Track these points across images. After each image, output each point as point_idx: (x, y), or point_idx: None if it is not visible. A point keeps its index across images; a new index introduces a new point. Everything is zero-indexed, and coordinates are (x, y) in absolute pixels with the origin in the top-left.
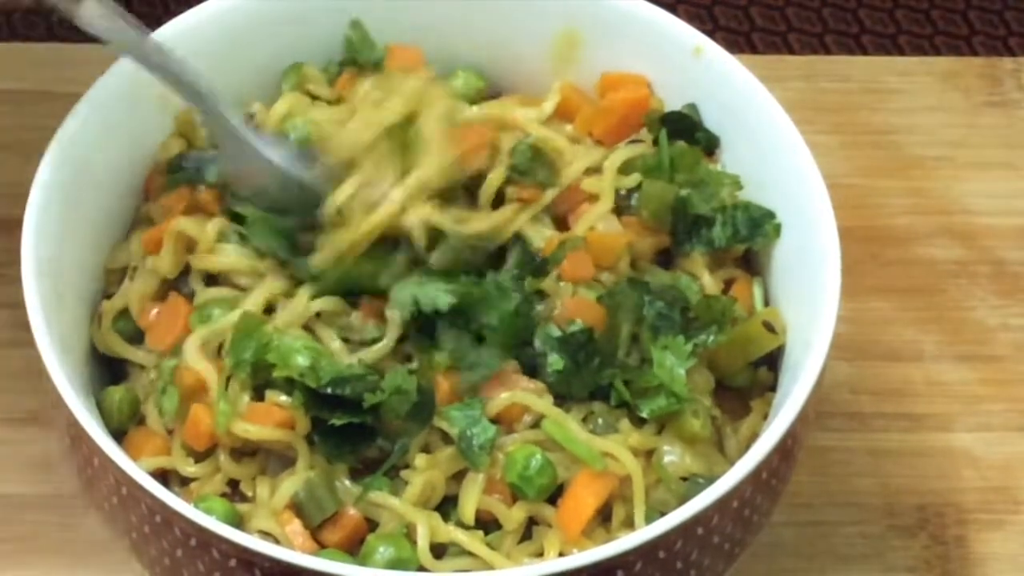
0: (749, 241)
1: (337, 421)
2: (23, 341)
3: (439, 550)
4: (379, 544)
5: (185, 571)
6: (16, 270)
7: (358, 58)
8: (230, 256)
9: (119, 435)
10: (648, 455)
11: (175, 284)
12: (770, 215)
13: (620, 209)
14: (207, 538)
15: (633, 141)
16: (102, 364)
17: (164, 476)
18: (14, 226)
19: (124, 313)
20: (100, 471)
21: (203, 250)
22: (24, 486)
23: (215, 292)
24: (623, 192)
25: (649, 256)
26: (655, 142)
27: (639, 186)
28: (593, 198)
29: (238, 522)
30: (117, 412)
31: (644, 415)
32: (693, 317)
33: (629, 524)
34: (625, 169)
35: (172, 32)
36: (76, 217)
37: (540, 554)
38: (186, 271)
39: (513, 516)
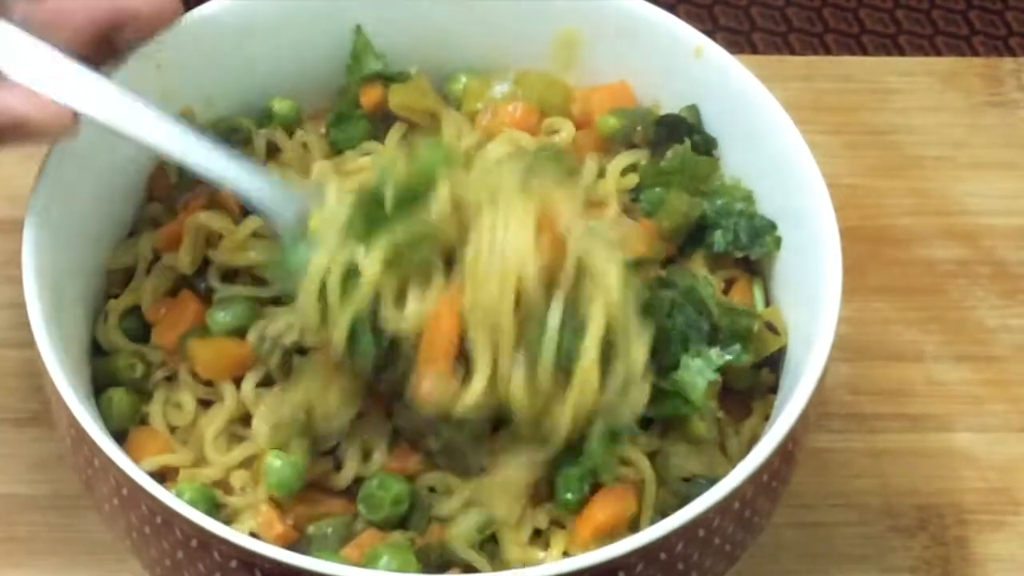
0: (748, 250)
1: None
2: (23, 341)
3: (442, 566)
4: (384, 553)
5: (186, 572)
6: (16, 270)
7: (362, 71)
8: (258, 252)
9: (120, 435)
10: (652, 456)
11: (187, 281)
12: (772, 226)
13: (628, 213)
14: (208, 539)
15: (631, 146)
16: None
17: (164, 476)
18: (14, 226)
19: (130, 312)
20: (100, 472)
21: (230, 247)
22: (24, 486)
23: (239, 289)
24: (627, 197)
25: (657, 261)
26: (651, 146)
27: (638, 188)
28: (598, 204)
29: (213, 505)
30: (117, 412)
31: (650, 417)
32: (716, 327)
33: (632, 526)
34: (627, 174)
35: (172, 32)
36: (76, 217)
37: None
38: (200, 268)
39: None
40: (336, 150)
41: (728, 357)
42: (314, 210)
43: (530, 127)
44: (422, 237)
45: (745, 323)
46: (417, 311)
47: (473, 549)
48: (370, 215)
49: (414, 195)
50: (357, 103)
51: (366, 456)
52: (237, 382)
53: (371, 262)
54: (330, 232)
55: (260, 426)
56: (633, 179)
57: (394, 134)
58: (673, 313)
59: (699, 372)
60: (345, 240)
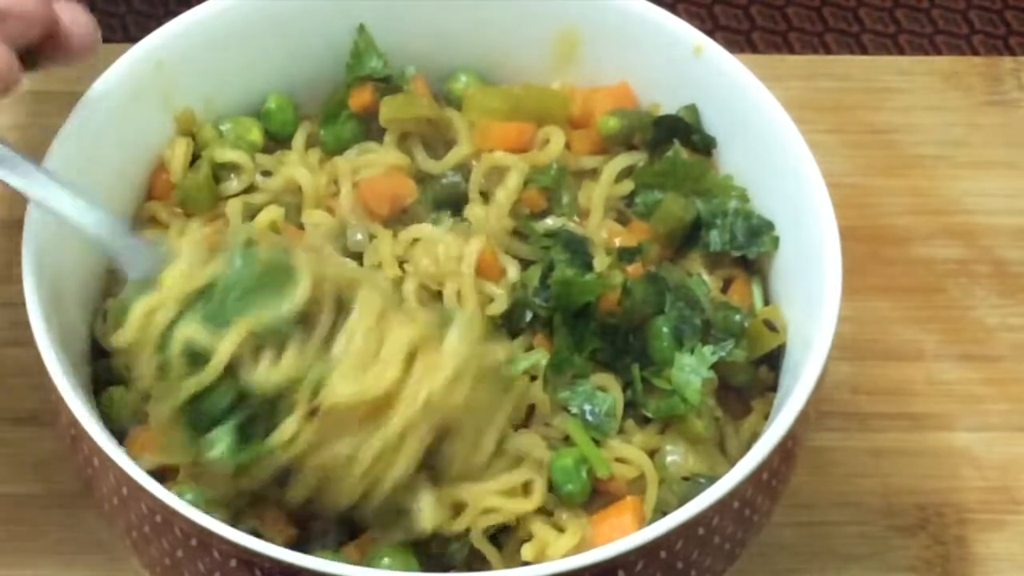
0: (745, 249)
1: None
2: (23, 341)
3: (442, 566)
4: (385, 553)
5: (185, 571)
6: (16, 270)
7: (362, 69)
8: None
9: (120, 435)
10: (651, 455)
11: None
12: (769, 226)
13: (623, 217)
14: (207, 538)
15: (631, 147)
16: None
17: (165, 476)
18: (14, 226)
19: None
20: (100, 471)
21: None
22: (24, 486)
23: None
24: (622, 201)
25: (655, 262)
26: (651, 146)
27: (634, 191)
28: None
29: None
30: (117, 411)
31: (649, 414)
32: (709, 323)
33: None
34: (623, 178)
35: (172, 32)
36: None
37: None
38: None
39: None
40: (327, 151)
41: (721, 353)
42: (166, 268)
43: (523, 143)
44: (280, 322)
45: (738, 319)
46: (280, 374)
47: (485, 540)
48: (223, 294)
49: (273, 280)
50: (345, 103)
51: None
52: None
53: (225, 344)
54: (174, 288)
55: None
56: (627, 186)
57: (390, 137)
58: (666, 307)
59: (693, 371)
60: (192, 304)
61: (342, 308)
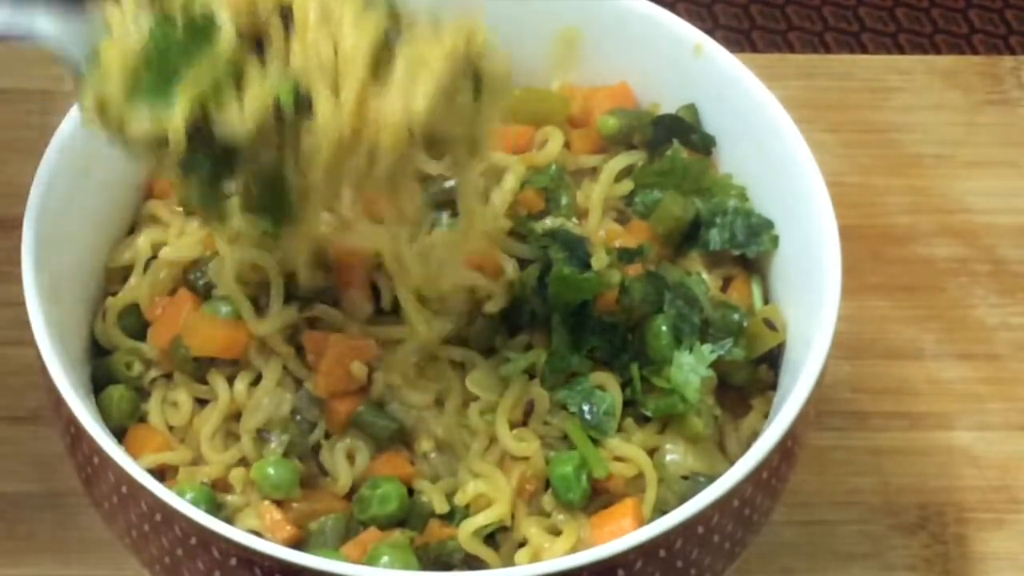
0: (744, 248)
1: None
2: (23, 340)
3: (441, 565)
4: (385, 552)
5: (185, 570)
6: (16, 269)
7: None
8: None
9: (119, 433)
10: (650, 453)
11: (186, 280)
12: (769, 225)
13: (623, 216)
14: (207, 537)
15: (630, 146)
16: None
17: (164, 474)
18: (14, 226)
19: (128, 310)
20: (100, 470)
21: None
22: (24, 484)
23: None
24: (622, 200)
25: (655, 262)
26: (650, 146)
27: (633, 190)
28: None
29: (214, 505)
30: (117, 410)
31: (648, 413)
32: (707, 322)
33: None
34: (622, 177)
35: None
36: (76, 217)
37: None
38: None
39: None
40: None
41: (720, 352)
42: (103, 40)
43: (522, 145)
44: (220, 71)
45: (737, 318)
46: (250, 113)
47: (480, 543)
48: (161, 56)
49: (201, 32)
50: None
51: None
52: (230, 379)
53: (176, 123)
54: (115, 62)
55: (244, 436)
56: (627, 186)
57: None
58: (665, 306)
59: (692, 369)
60: (138, 74)
61: (290, 17)
